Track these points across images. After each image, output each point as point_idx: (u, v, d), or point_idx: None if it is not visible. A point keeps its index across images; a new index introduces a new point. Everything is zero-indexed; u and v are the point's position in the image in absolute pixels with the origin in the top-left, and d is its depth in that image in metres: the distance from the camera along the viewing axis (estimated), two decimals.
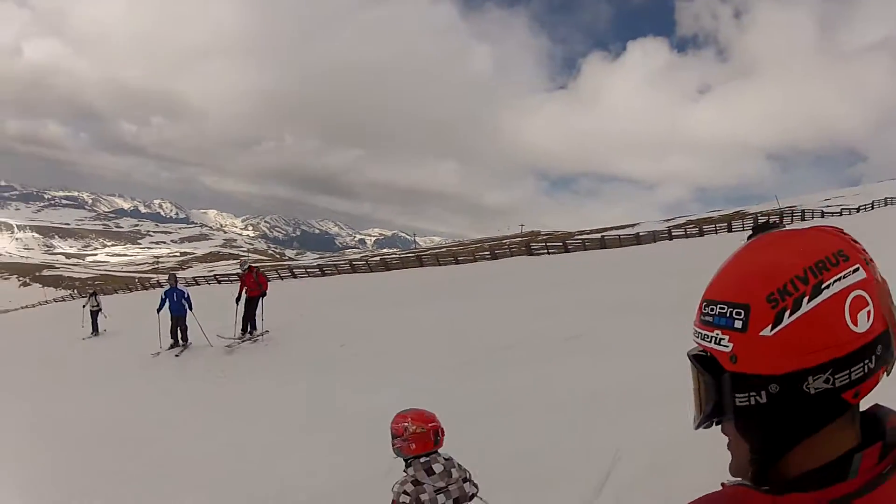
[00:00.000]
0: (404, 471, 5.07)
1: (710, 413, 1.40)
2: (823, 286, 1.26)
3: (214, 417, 12.74)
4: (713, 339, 1.36)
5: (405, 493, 4.92)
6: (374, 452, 10.10)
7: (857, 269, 1.28)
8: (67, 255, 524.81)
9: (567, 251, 56.51)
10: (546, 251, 57.53)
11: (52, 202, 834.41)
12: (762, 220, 1.55)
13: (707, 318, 1.38)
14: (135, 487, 10.03)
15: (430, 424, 5.18)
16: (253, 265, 23.04)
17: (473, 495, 5.28)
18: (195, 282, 77.37)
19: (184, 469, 10.63)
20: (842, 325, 1.24)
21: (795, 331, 1.26)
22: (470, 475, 5.30)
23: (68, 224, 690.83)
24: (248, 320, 21.74)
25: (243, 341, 21.22)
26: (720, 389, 1.36)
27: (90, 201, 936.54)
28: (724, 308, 1.34)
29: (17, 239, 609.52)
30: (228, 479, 9.75)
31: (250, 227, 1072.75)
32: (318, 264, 78.47)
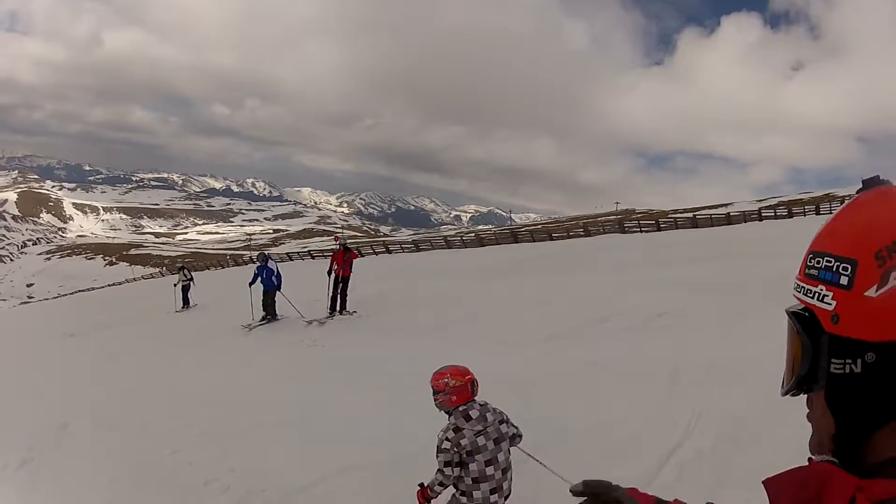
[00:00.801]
0: (449, 418, 6.12)
1: (803, 377, 1.36)
2: None
3: (305, 382, 13.24)
4: (816, 294, 1.33)
5: (447, 439, 6.02)
6: None
7: None
8: (156, 235, 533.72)
9: (659, 229, 56.40)
10: (639, 229, 57.36)
11: (141, 184, 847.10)
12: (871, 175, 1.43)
13: (812, 272, 1.35)
14: (227, 444, 10.71)
15: (466, 377, 6.32)
16: (346, 244, 23.63)
17: (515, 435, 6.34)
18: (288, 257, 78.77)
19: (274, 429, 11.27)
20: None
21: None
22: (507, 417, 6.32)
23: (157, 205, 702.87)
24: (338, 299, 22.34)
25: (333, 318, 21.83)
26: (817, 352, 1.33)
27: (180, 182, 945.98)
28: (830, 261, 1.31)
29: (102, 220, 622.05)
30: (317, 439, 10.23)
31: (345, 205, 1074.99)
32: (413, 240, 79.14)
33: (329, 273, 22.48)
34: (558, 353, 13.85)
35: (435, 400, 6.47)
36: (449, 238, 68.42)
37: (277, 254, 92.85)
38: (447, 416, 6.28)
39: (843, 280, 1.27)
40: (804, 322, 1.35)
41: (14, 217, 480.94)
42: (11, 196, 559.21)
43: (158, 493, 9.53)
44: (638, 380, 10.77)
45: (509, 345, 15.15)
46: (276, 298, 23.10)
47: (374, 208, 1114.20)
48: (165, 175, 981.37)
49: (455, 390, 6.27)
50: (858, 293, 1.24)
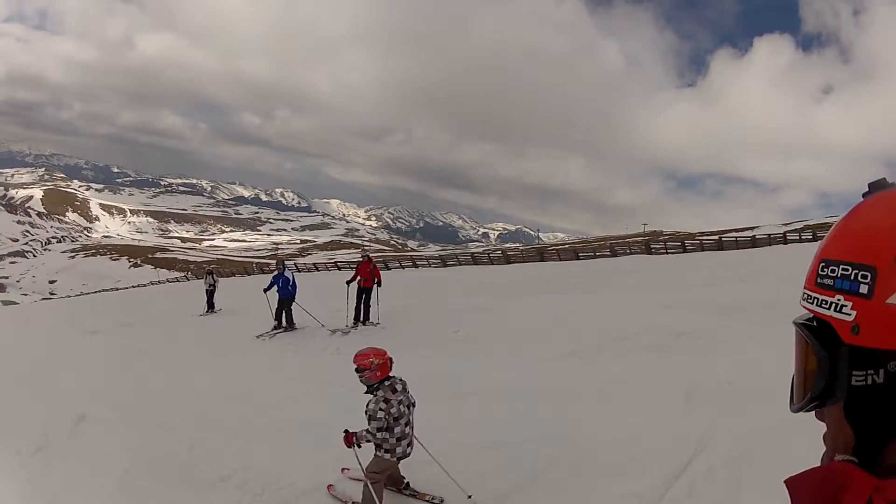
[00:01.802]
0: (373, 394, 7.83)
1: (820, 393, 1.32)
2: None
3: (327, 387, 13.36)
4: (833, 305, 1.29)
5: (381, 409, 7.66)
6: (482, 427, 10.57)
7: None
8: (183, 240, 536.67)
9: (685, 251, 56.18)
10: (665, 251, 57.20)
11: (169, 189, 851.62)
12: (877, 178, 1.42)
13: (826, 281, 1.31)
14: (246, 443, 10.94)
15: (385, 357, 8.07)
16: (371, 256, 23.85)
17: (414, 403, 8.28)
18: (315, 268, 79.10)
19: (293, 430, 11.49)
20: None
21: None
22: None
23: (185, 210, 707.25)
24: (361, 310, 22.49)
25: (356, 328, 21.97)
26: (835, 366, 1.29)
27: (209, 189, 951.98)
28: (847, 269, 1.27)
29: (129, 222, 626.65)
30: (335, 441, 10.25)
31: (373, 218, 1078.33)
32: (440, 255, 79.24)
33: (349, 283, 22.66)
34: (577, 369, 13.98)
35: (361, 377, 8.01)
36: (476, 255, 68.50)
37: (304, 263, 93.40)
38: (371, 390, 7.98)
39: (863, 288, 1.24)
40: (819, 334, 1.32)
41: (39, 214, 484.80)
42: (37, 193, 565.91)
43: (172, 486, 9.69)
44: (653, 397, 10.90)
45: (529, 360, 15.26)
46: (291, 307, 23.27)
47: (402, 222, 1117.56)
48: (194, 181, 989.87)
49: (379, 367, 7.95)
50: (880, 301, 1.22)
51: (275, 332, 22.53)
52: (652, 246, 59.17)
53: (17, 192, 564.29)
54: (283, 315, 23.16)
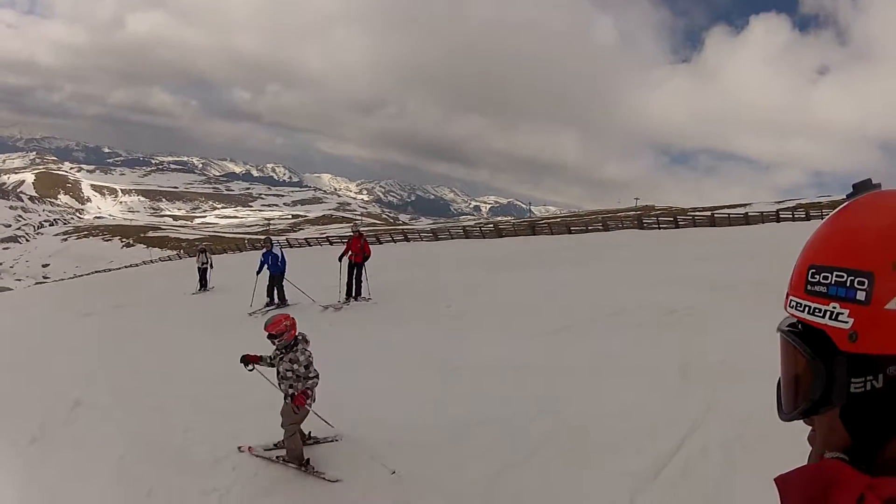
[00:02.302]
0: (293, 350, 9.28)
1: (816, 402, 1.31)
2: None
3: (318, 365, 13.51)
4: (828, 313, 1.27)
5: (310, 356, 9.30)
6: (474, 402, 10.65)
7: None
8: (175, 218, 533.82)
9: (677, 227, 56.45)
10: (657, 226, 57.31)
11: (160, 167, 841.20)
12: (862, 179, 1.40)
13: (818, 289, 1.30)
14: (240, 423, 11.03)
15: (291, 318, 9.52)
16: (362, 231, 23.84)
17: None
18: (307, 243, 79.06)
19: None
20: None
21: None
22: None
23: (176, 188, 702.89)
24: (353, 285, 22.56)
25: (348, 304, 22.06)
26: (832, 375, 1.27)
27: (200, 166, 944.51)
28: (842, 276, 1.25)
29: (121, 202, 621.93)
30: (333, 419, 10.34)
31: (365, 192, 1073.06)
32: (431, 229, 79.53)
33: (340, 259, 22.76)
34: (568, 345, 14.00)
35: (278, 342, 9.42)
36: (467, 228, 68.64)
37: (296, 239, 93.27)
38: (285, 349, 9.37)
39: (860, 295, 1.22)
40: (810, 342, 1.31)
41: (31, 198, 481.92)
42: (29, 177, 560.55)
43: (168, 470, 9.77)
44: (646, 374, 10.92)
45: (520, 335, 15.30)
46: (283, 284, 23.38)
47: (393, 196, 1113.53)
48: (185, 158, 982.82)
49: (291, 326, 9.42)
50: (879, 307, 1.20)
51: (266, 308, 22.48)
52: (644, 221, 59.28)
53: (8, 178, 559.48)
54: (275, 291, 23.29)
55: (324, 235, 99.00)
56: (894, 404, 1.23)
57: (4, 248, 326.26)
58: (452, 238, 64.85)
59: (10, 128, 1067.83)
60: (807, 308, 1.31)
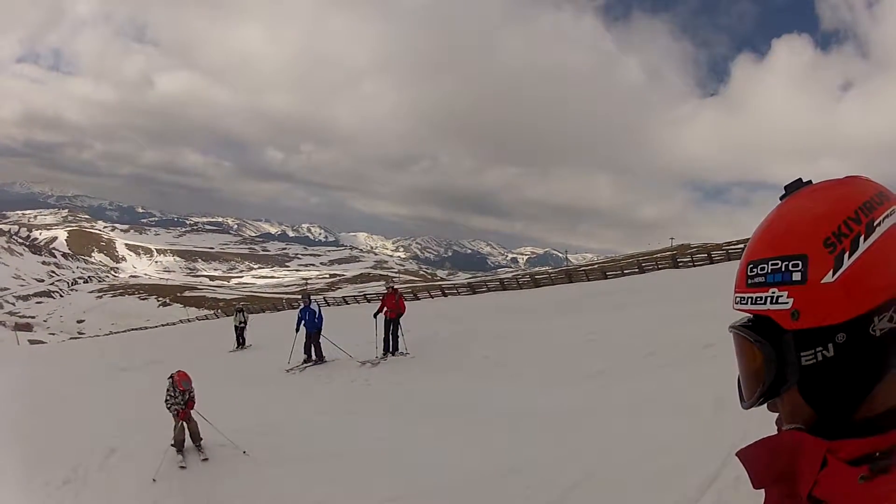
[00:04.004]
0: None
1: (772, 383, 1.40)
2: (875, 224, 1.32)
3: (356, 416, 13.54)
4: (768, 298, 1.37)
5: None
6: (512, 449, 10.65)
7: None
8: (211, 278, 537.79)
9: (711, 262, 55.70)
10: (692, 263, 56.90)
11: (195, 227, 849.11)
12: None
13: (757, 280, 1.40)
14: (276, 472, 11.16)
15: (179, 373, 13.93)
16: (396, 287, 24.43)
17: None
18: (344, 301, 79.34)
19: (323, 459, 11.68)
20: None
21: (857, 271, 1.29)
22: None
23: (212, 248, 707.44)
24: (390, 341, 22.72)
25: (386, 358, 22.22)
26: (782, 354, 1.37)
27: (235, 226, 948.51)
28: (776, 263, 1.37)
29: (156, 262, 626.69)
30: (364, 469, 10.38)
31: (401, 249, 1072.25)
32: (469, 282, 79.29)
33: (375, 315, 23.05)
34: (605, 387, 14.07)
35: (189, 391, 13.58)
36: (505, 280, 68.52)
37: (333, 297, 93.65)
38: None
39: (796, 276, 1.33)
40: (759, 330, 1.41)
41: (64, 255, 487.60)
42: (61, 234, 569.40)
43: None
44: (681, 410, 10.89)
45: (558, 381, 15.39)
46: (319, 340, 23.40)
47: (430, 252, 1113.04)
48: (220, 219, 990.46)
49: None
50: (815, 283, 1.31)
51: (304, 365, 22.73)
52: (679, 260, 59.08)
53: (40, 234, 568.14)
54: (312, 348, 23.32)
55: (361, 293, 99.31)
56: (849, 368, 1.32)
57: (37, 303, 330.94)
58: (490, 291, 64.86)
59: (41, 184, 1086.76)
60: (749, 300, 1.43)
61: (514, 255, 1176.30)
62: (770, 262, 1.37)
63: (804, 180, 1.47)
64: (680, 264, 57.15)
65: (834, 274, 1.29)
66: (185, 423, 13.21)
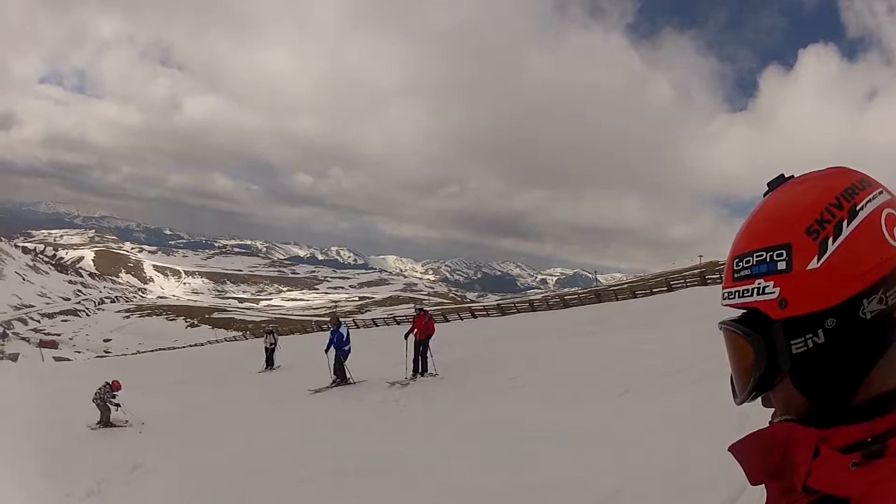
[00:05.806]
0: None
1: (764, 375, 1.41)
2: (858, 208, 1.34)
3: (383, 436, 13.60)
4: (755, 290, 1.39)
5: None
6: (540, 467, 10.66)
7: (882, 192, 1.39)
8: (240, 300, 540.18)
9: None
10: (720, 280, 56.69)
11: (223, 250, 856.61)
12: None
13: (743, 273, 1.42)
14: (297, 491, 11.22)
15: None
16: (426, 309, 24.65)
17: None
18: (374, 323, 79.65)
19: (356, 478, 11.74)
20: (883, 242, 1.33)
21: (842, 256, 1.32)
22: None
23: (240, 270, 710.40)
24: (419, 362, 23.01)
25: (415, 379, 22.41)
26: (772, 344, 1.38)
27: (264, 249, 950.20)
28: (761, 255, 1.39)
29: (184, 283, 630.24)
30: (391, 488, 10.40)
31: (431, 272, 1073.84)
32: (498, 304, 79.27)
33: (406, 336, 23.37)
34: (633, 406, 14.15)
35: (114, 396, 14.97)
36: (534, 302, 68.49)
37: (363, 319, 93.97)
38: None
39: (781, 265, 1.35)
40: (748, 322, 1.42)
41: (91, 275, 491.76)
42: (88, 254, 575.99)
43: None
44: (707, 426, 10.87)
45: (585, 400, 15.49)
46: (347, 362, 23.66)
47: (459, 275, 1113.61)
48: (248, 242, 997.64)
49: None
50: (801, 271, 1.33)
51: (332, 386, 22.99)
52: (707, 277, 58.98)
53: (66, 253, 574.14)
54: (340, 370, 23.53)
55: (391, 315, 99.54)
56: (840, 354, 1.33)
57: (63, 321, 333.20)
58: (519, 312, 64.88)
59: (68, 204, 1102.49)
60: (736, 293, 1.45)
61: (544, 277, 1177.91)
62: (755, 255, 1.40)
63: (786, 175, 1.51)
64: (709, 281, 57.07)
65: (819, 260, 1.32)
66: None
